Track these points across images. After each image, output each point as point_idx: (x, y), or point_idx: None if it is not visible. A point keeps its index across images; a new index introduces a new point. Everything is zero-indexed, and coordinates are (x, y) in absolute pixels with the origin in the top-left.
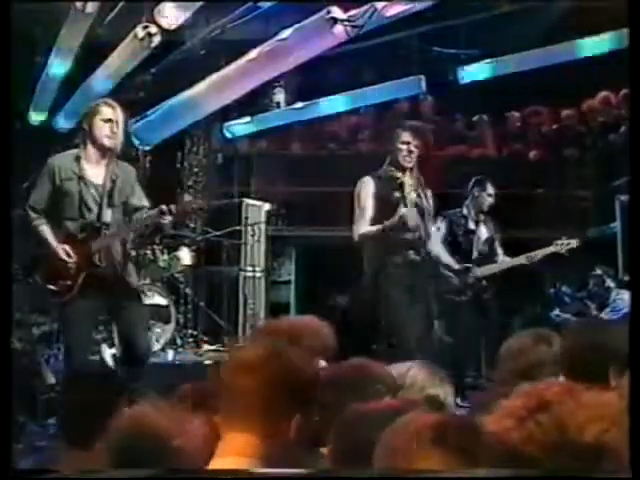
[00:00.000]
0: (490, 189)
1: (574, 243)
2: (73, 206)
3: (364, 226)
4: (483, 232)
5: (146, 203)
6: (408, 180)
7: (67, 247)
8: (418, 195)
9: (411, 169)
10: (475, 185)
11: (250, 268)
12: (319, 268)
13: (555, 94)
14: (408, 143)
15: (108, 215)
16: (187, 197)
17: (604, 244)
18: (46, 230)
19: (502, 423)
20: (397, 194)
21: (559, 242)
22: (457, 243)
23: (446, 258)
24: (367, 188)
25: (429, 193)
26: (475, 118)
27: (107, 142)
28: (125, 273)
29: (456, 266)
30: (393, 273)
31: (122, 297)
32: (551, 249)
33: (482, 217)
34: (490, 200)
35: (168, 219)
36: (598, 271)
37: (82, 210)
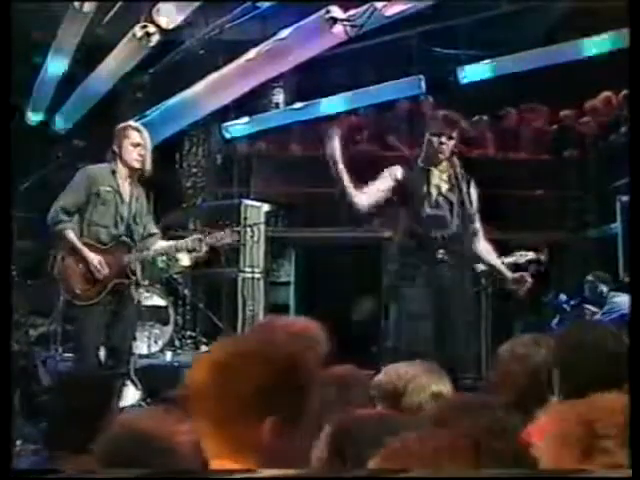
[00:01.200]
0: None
1: (532, 255)
2: (109, 215)
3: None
4: None
5: (156, 230)
6: (438, 173)
7: (100, 255)
8: (451, 189)
9: (447, 160)
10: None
11: (249, 269)
12: (319, 269)
13: (556, 94)
14: (440, 135)
15: (136, 231)
16: (224, 231)
17: (605, 245)
18: (72, 234)
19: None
20: (424, 188)
21: (520, 253)
22: None
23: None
24: (395, 174)
25: (472, 188)
26: (475, 118)
27: (137, 165)
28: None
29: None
30: (412, 274)
31: (126, 310)
32: (510, 260)
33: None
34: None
35: (205, 248)
36: (590, 277)
37: (116, 220)
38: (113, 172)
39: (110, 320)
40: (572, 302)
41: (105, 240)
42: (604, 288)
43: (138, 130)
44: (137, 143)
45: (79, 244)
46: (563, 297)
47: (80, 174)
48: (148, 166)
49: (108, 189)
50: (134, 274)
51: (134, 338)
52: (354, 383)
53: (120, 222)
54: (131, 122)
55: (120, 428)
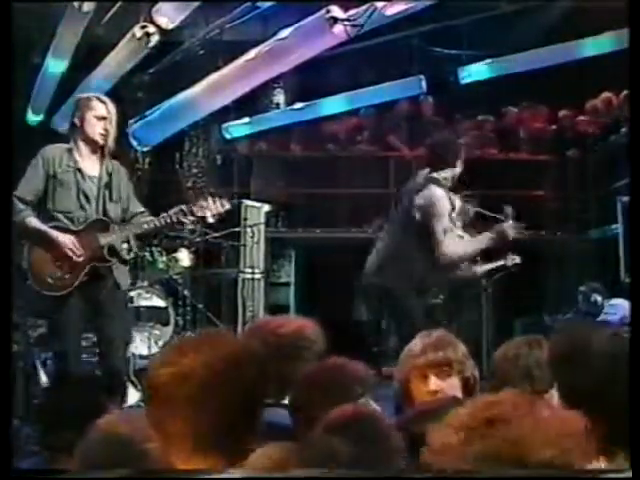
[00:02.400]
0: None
1: (518, 259)
2: (71, 197)
3: (458, 243)
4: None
5: (142, 208)
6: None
7: (72, 238)
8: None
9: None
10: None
11: (249, 270)
12: (319, 270)
13: (556, 95)
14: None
15: (111, 209)
16: (210, 199)
17: (605, 246)
18: (36, 221)
19: (450, 436)
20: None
21: (511, 257)
22: None
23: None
24: (443, 201)
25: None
26: (475, 119)
27: (100, 140)
28: (120, 273)
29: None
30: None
31: (110, 299)
32: (501, 263)
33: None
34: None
35: (189, 219)
36: (584, 288)
37: (81, 202)
38: (69, 150)
39: (93, 310)
40: (566, 313)
41: (75, 224)
42: (598, 298)
43: (103, 102)
44: (102, 116)
45: (45, 227)
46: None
47: (35, 158)
48: (111, 142)
49: (67, 169)
50: (115, 256)
51: (128, 330)
52: (345, 376)
53: (86, 202)
54: (94, 93)
55: (97, 432)
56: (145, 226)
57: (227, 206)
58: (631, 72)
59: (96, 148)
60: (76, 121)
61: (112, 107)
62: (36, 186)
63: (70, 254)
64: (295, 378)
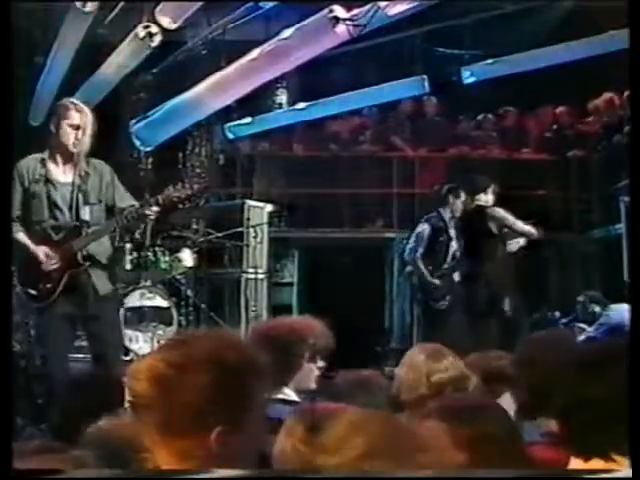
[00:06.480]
0: (463, 196)
1: (523, 242)
2: (42, 208)
3: None
4: (459, 237)
5: (133, 202)
6: None
7: (46, 248)
8: None
9: None
10: (448, 192)
11: (252, 270)
12: (321, 270)
13: (559, 95)
14: None
15: (86, 213)
16: (171, 187)
17: (609, 246)
18: (20, 236)
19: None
20: None
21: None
22: (435, 247)
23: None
24: None
25: None
26: (478, 118)
27: (73, 148)
28: (99, 276)
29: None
30: None
31: (91, 304)
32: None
33: (458, 223)
34: (461, 207)
35: (154, 210)
36: (582, 297)
37: (52, 211)
38: (42, 160)
39: (78, 317)
40: (564, 320)
41: (49, 233)
42: (596, 308)
43: (79, 111)
44: (76, 125)
45: (25, 241)
46: (557, 314)
47: (12, 172)
48: (85, 147)
49: (37, 180)
50: (88, 260)
51: (119, 330)
52: (375, 386)
53: (57, 210)
54: (73, 99)
55: (93, 436)
56: (110, 223)
57: (190, 191)
58: (631, 72)
59: (69, 155)
60: (52, 127)
61: (89, 116)
62: (15, 201)
63: (46, 264)
64: (290, 373)
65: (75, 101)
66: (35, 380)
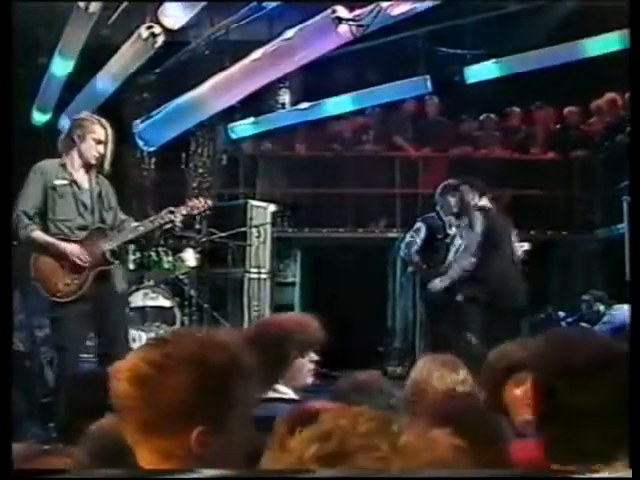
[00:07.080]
0: (460, 195)
1: (527, 246)
2: (69, 208)
3: None
4: (457, 237)
5: (126, 217)
6: None
7: (75, 246)
8: None
9: None
10: (443, 190)
11: (255, 270)
12: (324, 269)
13: (561, 95)
14: None
15: (107, 217)
16: (195, 200)
17: (611, 246)
18: (41, 234)
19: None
20: None
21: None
22: (434, 247)
23: None
24: None
25: None
26: (481, 118)
27: (93, 161)
28: (117, 278)
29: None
30: None
31: (111, 301)
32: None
33: (455, 221)
34: (459, 206)
35: (179, 218)
36: (586, 297)
37: (80, 211)
38: (63, 165)
39: (96, 313)
40: (569, 319)
41: (75, 233)
42: (601, 307)
43: (104, 127)
44: (100, 140)
45: (51, 239)
46: (561, 314)
47: (32, 173)
48: (107, 165)
49: (63, 182)
50: (114, 260)
51: (126, 329)
52: (377, 389)
53: (85, 211)
54: (95, 116)
55: (93, 435)
56: (141, 229)
57: (210, 203)
58: (631, 72)
59: (89, 166)
60: (75, 138)
61: (110, 132)
62: (37, 200)
63: (78, 261)
64: (280, 371)
65: (99, 118)
66: (43, 378)
